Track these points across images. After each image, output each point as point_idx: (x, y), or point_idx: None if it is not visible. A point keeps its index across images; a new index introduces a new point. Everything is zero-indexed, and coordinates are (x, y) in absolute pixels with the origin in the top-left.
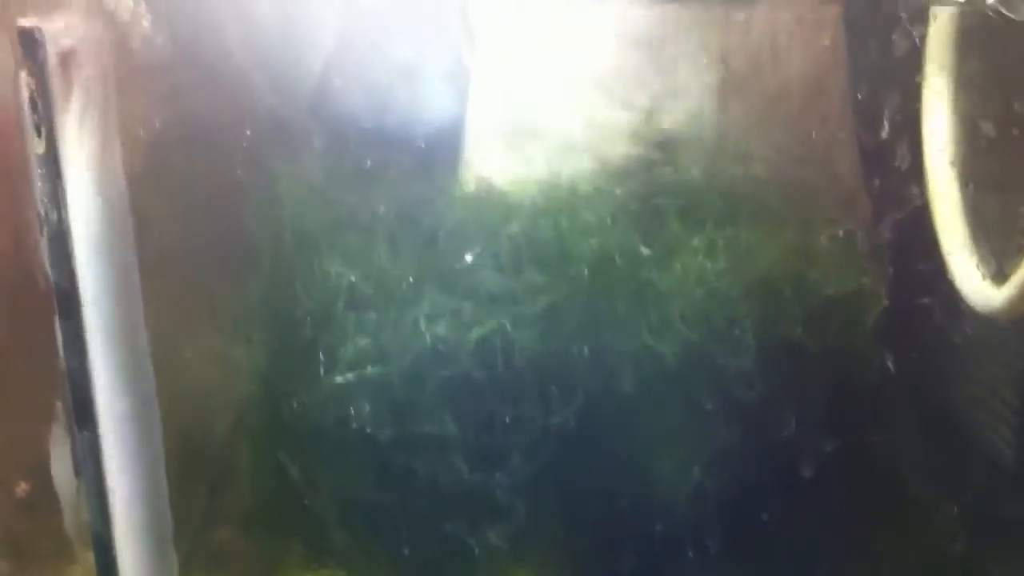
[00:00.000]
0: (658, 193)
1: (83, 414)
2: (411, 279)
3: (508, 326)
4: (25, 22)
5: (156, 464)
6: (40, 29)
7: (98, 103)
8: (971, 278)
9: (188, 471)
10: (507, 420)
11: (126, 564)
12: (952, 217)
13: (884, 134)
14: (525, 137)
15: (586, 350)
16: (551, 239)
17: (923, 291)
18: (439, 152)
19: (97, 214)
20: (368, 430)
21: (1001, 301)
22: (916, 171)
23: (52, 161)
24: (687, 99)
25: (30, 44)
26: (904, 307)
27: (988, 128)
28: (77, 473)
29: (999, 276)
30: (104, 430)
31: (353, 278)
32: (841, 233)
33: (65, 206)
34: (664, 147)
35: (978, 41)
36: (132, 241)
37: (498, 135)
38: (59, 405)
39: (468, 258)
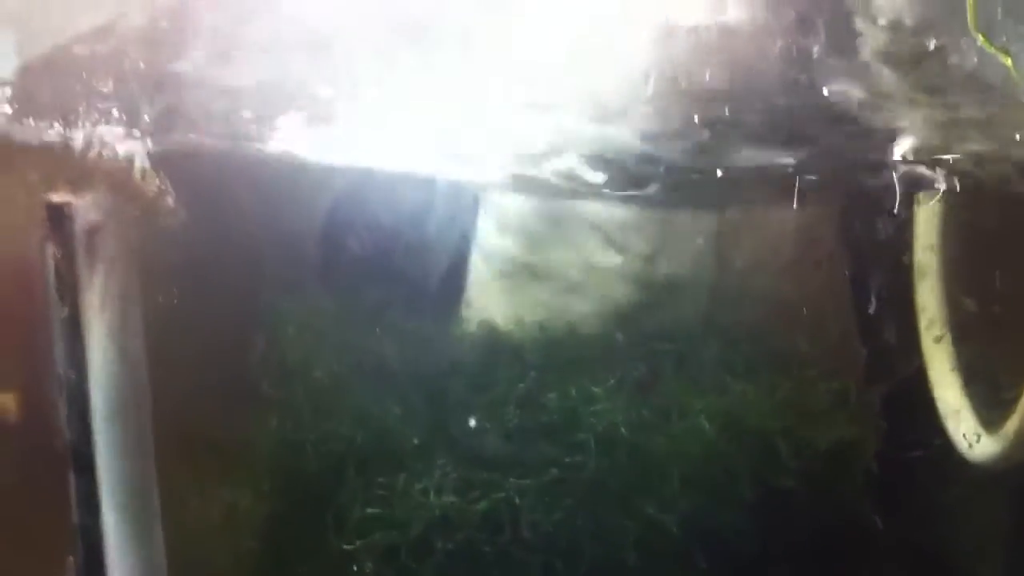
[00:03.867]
0: (657, 338)
1: (94, 570)
2: (418, 443)
3: (515, 497)
4: (55, 197)
5: None
6: (69, 205)
7: (120, 274)
8: (964, 429)
9: None
10: None
11: None
12: (943, 373)
13: (875, 296)
14: (526, 279)
15: (590, 521)
16: (558, 409)
17: (916, 443)
18: (443, 293)
19: (115, 378)
20: None
21: (993, 451)
22: (909, 333)
23: (74, 326)
24: (685, 246)
25: (59, 218)
26: (898, 459)
27: (971, 304)
28: None
29: (991, 427)
30: None
31: (360, 439)
32: (836, 387)
33: (84, 369)
34: (662, 292)
35: (962, 222)
36: (148, 404)
37: (500, 277)
38: (71, 560)
39: (472, 423)
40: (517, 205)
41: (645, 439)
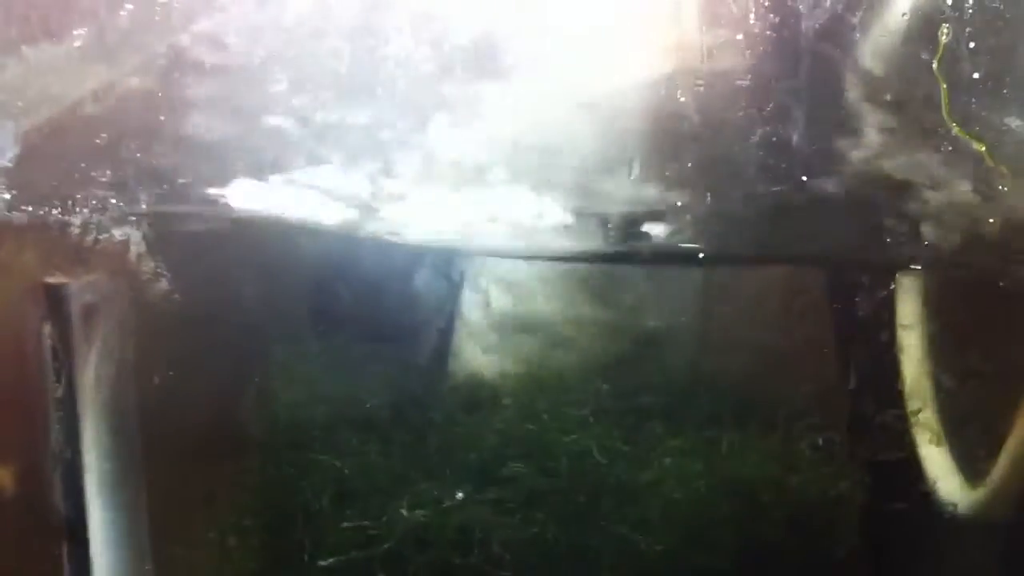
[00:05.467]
0: (642, 390)
1: None
2: (398, 471)
3: (489, 515)
4: (52, 279)
5: None
6: (66, 286)
7: (115, 353)
8: (946, 484)
9: None
10: None
11: None
12: (924, 440)
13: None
14: (513, 331)
15: (564, 543)
16: (535, 434)
17: (901, 496)
18: (430, 346)
19: (109, 453)
20: None
21: (975, 506)
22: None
23: (69, 404)
24: (672, 299)
25: (56, 299)
26: (882, 512)
27: (949, 380)
28: None
29: (975, 479)
30: None
31: (343, 471)
32: (821, 441)
33: (79, 446)
34: (649, 345)
35: (941, 301)
36: (141, 475)
37: (487, 329)
38: None
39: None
40: (504, 260)
41: (623, 469)
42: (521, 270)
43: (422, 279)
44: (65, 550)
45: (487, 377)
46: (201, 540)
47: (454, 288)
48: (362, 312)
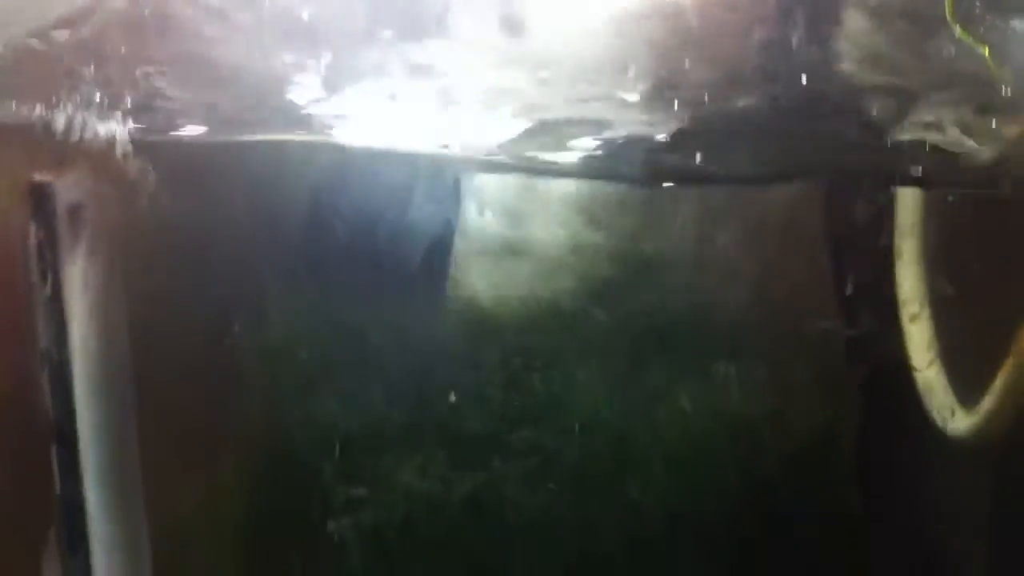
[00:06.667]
0: (640, 316)
1: (75, 542)
2: (402, 424)
3: (497, 480)
4: (37, 177)
5: None
6: (51, 184)
7: (103, 254)
8: (940, 405)
9: None
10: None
11: None
12: (920, 350)
13: (857, 279)
14: (510, 257)
15: (572, 505)
16: (542, 394)
17: (896, 421)
18: (427, 273)
19: (97, 355)
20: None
21: (968, 427)
22: (889, 312)
23: (57, 305)
24: (669, 225)
25: (40, 198)
26: (879, 438)
27: (946, 286)
28: None
29: (968, 404)
30: (95, 558)
31: (344, 421)
32: (817, 368)
33: (67, 347)
34: (646, 271)
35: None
36: (130, 381)
37: (483, 256)
38: (53, 532)
39: (453, 398)
40: (499, 183)
41: (626, 422)
42: (517, 194)
43: (417, 204)
44: (54, 452)
45: (484, 303)
46: (194, 455)
47: (450, 213)
48: (356, 235)
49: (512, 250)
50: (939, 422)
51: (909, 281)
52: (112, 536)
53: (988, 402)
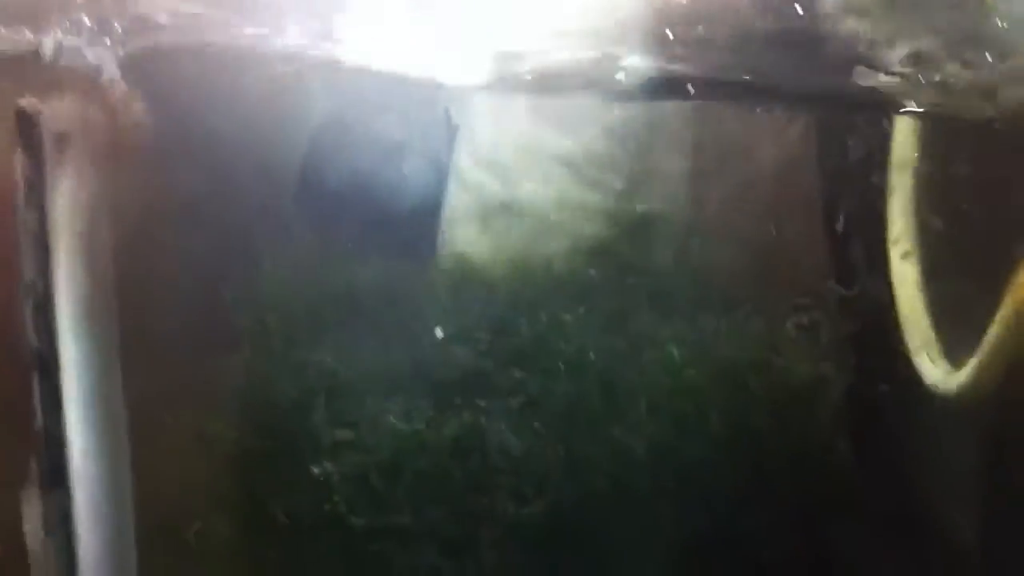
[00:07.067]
0: (630, 273)
1: (56, 475)
2: (390, 371)
3: (484, 421)
4: (24, 103)
5: (126, 529)
6: (37, 110)
7: (89, 182)
8: (931, 363)
9: (160, 543)
10: (480, 512)
11: None
12: (912, 305)
13: (848, 225)
14: (501, 216)
15: (559, 445)
16: (529, 336)
17: (886, 377)
18: (419, 231)
19: (82, 286)
20: (341, 518)
21: (958, 385)
22: (878, 261)
23: (42, 234)
24: (659, 184)
25: (27, 124)
26: (867, 393)
27: (938, 223)
28: (47, 532)
29: (958, 361)
30: (76, 491)
31: (332, 366)
32: (806, 321)
33: (51, 277)
34: (636, 229)
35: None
36: (115, 313)
37: (476, 214)
38: (33, 464)
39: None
40: (493, 139)
41: (614, 368)
42: (508, 150)
43: (411, 158)
44: (35, 383)
45: (475, 261)
46: (180, 394)
47: (442, 167)
48: (349, 190)
49: (504, 208)
50: (929, 380)
51: (903, 219)
52: (94, 471)
53: (978, 358)
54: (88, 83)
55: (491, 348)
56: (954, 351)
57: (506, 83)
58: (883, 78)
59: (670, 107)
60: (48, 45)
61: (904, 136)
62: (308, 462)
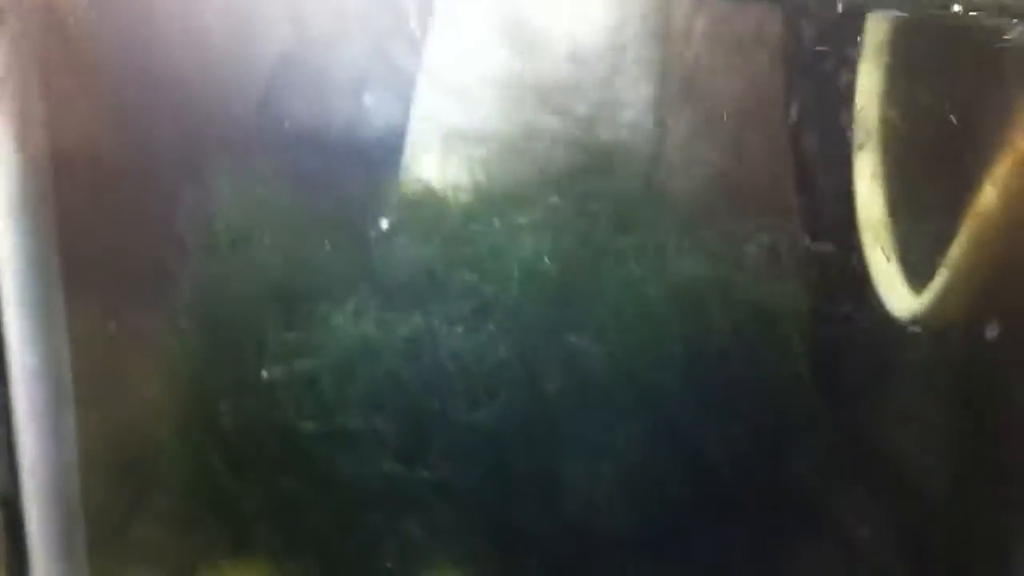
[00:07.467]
0: (593, 199)
1: None
2: (342, 274)
3: (436, 323)
4: None
5: (66, 425)
6: None
7: (23, 57)
8: (893, 286)
9: (105, 446)
10: (431, 417)
11: (33, 525)
12: (876, 227)
13: (813, 147)
14: (464, 142)
15: (512, 350)
16: (483, 239)
17: (847, 301)
18: (382, 158)
19: (17, 172)
20: (293, 423)
21: (921, 308)
22: (844, 185)
23: None
24: (625, 110)
25: None
26: (828, 316)
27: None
28: None
29: (920, 285)
30: (15, 387)
31: (283, 271)
32: (768, 241)
33: None
34: (600, 156)
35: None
36: (52, 204)
37: (438, 140)
38: None
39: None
40: (455, 64)
41: (571, 274)
42: (472, 75)
43: (372, 85)
44: None
45: (436, 186)
46: (123, 289)
47: (405, 94)
48: (308, 116)
49: (465, 135)
50: (891, 305)
51: (863, 110)
52: (32, 365)
53: (939, 282)
54: None
55: (445, 253)
56: (914, 277)
57: None
58: None
59: (635, 31)
60: None
61: (875, 38)
62: (257, 367)
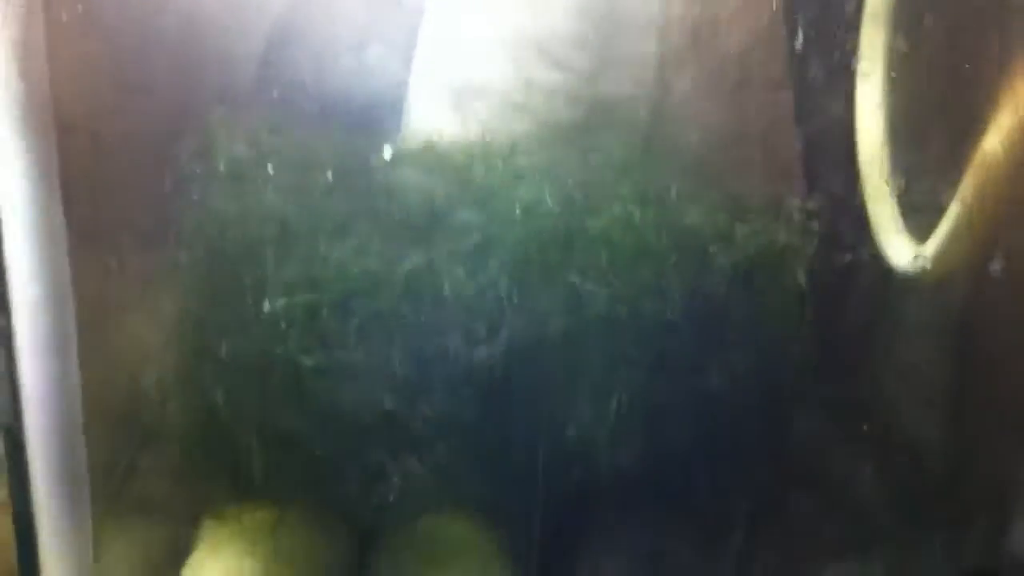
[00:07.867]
0: (594, 151)
1: None
2: (344, 212)
3: (438, 261)
4: None
5: (68, 354)
6: None
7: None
8: (895, 239)
9: (107, 379)
10: (432, 354)
11: (36, 457)
12: (878, 180)
13: (817, 100)
14: (466, 96)
15: (514, 288)
16: (486, 180)
17: (849, 252)
18: (383, 112)
19: (18, 101)
20: (294, 359)
21: (919, 259)
22: (846, 139)
23: None
24: (627, 65)
25: None
26: (830, 268)
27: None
28: None
29: (921, 237)
30: (18, 316)
31: (285, 209)
32: (771, 192)
33: None
34: (602, 110)
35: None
36: (53, 139)
37: (440, 94)
38: None
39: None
40: (457, 22)
41: (574, 216)
42: (473, 30)
43: (374, 41)
44: None
45: (438, 140)
46: (127, 226)
47: (407, 50)
48: (312, 72)
49: (467, 89)
50: (893, 257)
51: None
52: (36, 296)
53: (941, 231)
54: None
55: (446, 194)
56: (919, 228)
57: None
58: None
59: None
60: None
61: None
62: (260, 301)
